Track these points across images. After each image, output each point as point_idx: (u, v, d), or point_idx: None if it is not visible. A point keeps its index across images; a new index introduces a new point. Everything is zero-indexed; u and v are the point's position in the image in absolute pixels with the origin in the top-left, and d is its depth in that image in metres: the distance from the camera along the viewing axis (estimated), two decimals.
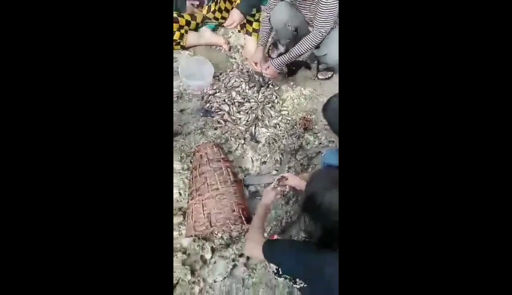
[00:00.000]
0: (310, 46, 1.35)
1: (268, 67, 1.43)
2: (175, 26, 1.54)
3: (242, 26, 1.60)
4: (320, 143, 1.48)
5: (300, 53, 1.39)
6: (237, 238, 1.21)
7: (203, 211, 1.13)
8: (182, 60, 1.54)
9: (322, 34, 1.31)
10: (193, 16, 1.56)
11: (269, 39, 1.52)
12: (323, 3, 1.21)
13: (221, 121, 1.47)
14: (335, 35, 1.34)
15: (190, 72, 1.47)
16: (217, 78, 1.56)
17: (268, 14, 1.40)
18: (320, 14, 1.26)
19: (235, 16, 1.40)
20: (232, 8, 1.51)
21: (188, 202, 1.21)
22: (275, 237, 1.01)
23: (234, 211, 1.13)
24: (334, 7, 1.22)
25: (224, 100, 1.50)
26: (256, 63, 1.50)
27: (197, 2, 1.56)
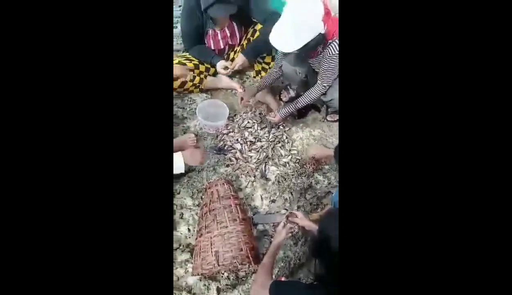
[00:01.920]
0: (315, 97, 1.47)
1: (275, 116, 1.57)
2: (196, 71, 1.70)
3: (258, 72, 1.74)
4: (330, 183, 1.49)
5: (305, 104, 1.51)
6: (243, 279, 1.18)
7: (211, 249, 1.14)
8: (200, 102, 1.66)
9: (325, 87, 1.43)
10: (212, 64, 1.72)
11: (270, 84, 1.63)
12: (326, 60, 1.33)
13: (233, 159, 1.53)
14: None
15: (207, 113, 1.58)
16: (231, 119, 1.66)
17: (275, 69, 1.54)
18: (323, 70, 1.38)
19: (239, 59, 1.56)
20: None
21: (196, 239, 1.22)
22: (283, 278, 0.99)
23: (241, 250, 1.13)
24: (335, 64, 1.34)
25: (237, 140, 1.58)
26: (242, 99, 1.62)
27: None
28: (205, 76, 1.73)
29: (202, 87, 1.73)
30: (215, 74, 1.77)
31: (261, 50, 1.66)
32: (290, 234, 1.17)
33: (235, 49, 1.67)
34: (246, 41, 1.68)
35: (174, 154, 1.31)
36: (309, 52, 1.33)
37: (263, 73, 1.76)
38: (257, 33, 1.64)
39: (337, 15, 1.31)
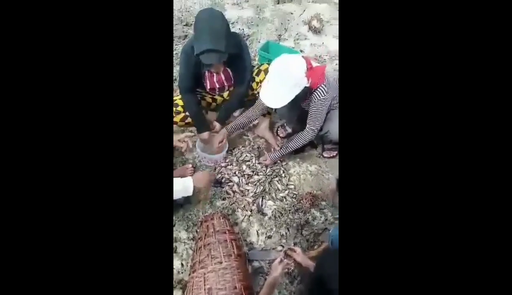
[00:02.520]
0: (304, 141, 1.53)
1: (266, 159, 1.63)
2: (204, 103, 1.78)
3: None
4: (326, 219, 1.49)
5: (295, 148, 1.57)
6: None
7: (204, 285, 1.09)
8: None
9: (314, 131, 1.49)
10: (213, 99, 1.81)
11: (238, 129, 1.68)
12: (314, 104, 1.42)
13: (230, 192, 1.53)
14: (334, 115, 1.52)
15: (206, 146, 1.62)
16: (230, 152, 1.70)
17: (256, 113, 1.61)
18: (311, 114, 1.45)
19: (220, 136, 1.62)
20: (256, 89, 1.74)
21: (189, 274, 1.18)
22: None
23: (235, 288, 1.09)
24: (324, 107, 1.42)
25: (235, 173, 1.59)
26: (218, 143, 1.61)
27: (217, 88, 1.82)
28: (206, 111, 1.81)
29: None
30: (216, 109, 1.85)
31: (231, 111, 1.77)
32: (286, 270, 1.14)
33: (227, 91, 1.77)
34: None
35: (184, 178, 1.30)
36: (299, 101, 1.41)
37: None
38: (227, 94, 1.75)
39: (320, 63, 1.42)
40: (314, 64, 1.38)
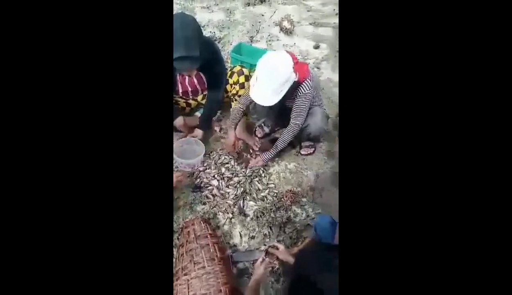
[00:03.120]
0: (291, 137, 1.57)
1: (258, 161, 1.65)
2: (178, 108, 1.75)
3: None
4: (308, 215, 1.51)
5: (284, 145, 1.60)
6: None
7: (189, 292, 1.07)
8: (175, 141, 1.68)
9: (299, 125, 1.53)
10: (187, 103, 1.78)
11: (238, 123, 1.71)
12: (299, 99, 1.45)
13: (210, 196, 1.52)
14: (316, 110, 1.58)
15: (182, 151, 1.59)
16: (207, 156, 1.68)
17: (241, 107, 1.62)
18: (296, 108, 1.49)
19: (199, 135, 1.67)
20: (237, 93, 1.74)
21: (173, 283, 1.15)
22: None
23: (220, 291, 1.07)
24: (308, 101, 1.46)
25: (214, 176, 1.58)
26: (233, 145, 1.68)
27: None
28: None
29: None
30: (190, 113, 1.83)
31: (212, 115, 1.81)
32: (270, 268, 1.15)
33: (201, 94, 1.76)
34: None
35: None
36: (284, 97, 1.44)
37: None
38: (201, 97, 1.76)
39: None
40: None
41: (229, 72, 1.73)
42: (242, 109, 1.61)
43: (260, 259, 1.15)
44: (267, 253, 1.18)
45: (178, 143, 1.62)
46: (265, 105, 1.38)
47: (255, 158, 1.69)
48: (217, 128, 1.87)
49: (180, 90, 1.67)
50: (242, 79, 1.69)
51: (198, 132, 1.68)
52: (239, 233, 1.42)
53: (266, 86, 1.32)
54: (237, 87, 1.71)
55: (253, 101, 1.44)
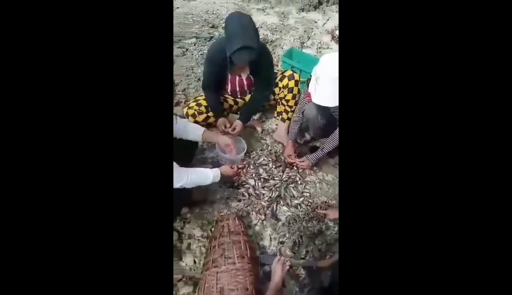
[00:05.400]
0: (336, 143, 1.53)
1: (303, 161, 1.64)
2: (226, 105, 1.81)
3: (279, 113, 1.83)
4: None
5: (331, 149, 1.57)
6: None
7: (217, 284, 1.11)
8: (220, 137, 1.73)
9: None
10: (235, 101, 1.83)
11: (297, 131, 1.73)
12: None
13: (246, 194, 1.55)
14: None
15: (225, 147, 1.64)
16: (247, 155, 1.71)
17: (298, 115, 1.64)
18: None
19: (238, 127, 1.68)
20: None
21: (202, 272, 1.20)
22: None
23: (247, 290, 1.09)
24: None
25: (252, 175, 1.61)
26: (290, 156, 1.70)
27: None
28: (228, 113, 1.84)
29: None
30: (237, 112, 1.87)
31: (254, 113, 1.84)
32: (287, 268, 1.14)
33: (249, 95, 1.79)
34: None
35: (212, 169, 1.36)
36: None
37: (284, 115, 1.83)
38: (249, 97, 1.78)
39: None
40: None
41: (280, 76, 1.75)
42: (300, 119, 1.64)
43: (276, 259, 1.14)
44: (280, 252, 1.17)
45: (222, 139, 1.67)
46: (327, 105, 1.36)
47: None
48: (259, 129, 1.89)
49: (229, 89, 1.72)
50: (292, 83, 1.70)
51: (237, 122, 1.69)
52: (269, 235, 1.43)
53: (328, 87, 1.31)
54: (285, 91, 1.72)
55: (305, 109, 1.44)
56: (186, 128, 1.41)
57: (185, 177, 1.22)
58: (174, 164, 1.17)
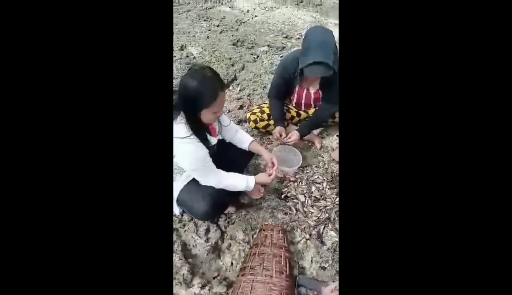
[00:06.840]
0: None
1: (292, 135, 1.63)
2: (288, 115, 1.81)
3: None
4: None
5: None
6: None
7: (251, 293, 1.09)
8: (276, 147, 1.73)
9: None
10: (298, 113, 1.81)
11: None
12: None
13: (293, 209, 1.50)
14: None
15: (280, 157, 1.63)
16: (301, 169, 1.67)
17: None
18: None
19: (295, 136, 1.64)
20: None
21: (238, 276, 1.19)
22: None
23: None
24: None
25: (303, 191, 1.56)
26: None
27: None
28: (287, 124, 1.83)
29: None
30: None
31: (315, 128, 1.81)
32: None
33: (313, 108, 1.74)
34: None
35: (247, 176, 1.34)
36: None
37: None
38: (312, 111, 1.75)
39: None
40: None
41: None
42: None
43: (332, 286, 1.07)
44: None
45: (278, 148, 1.67)
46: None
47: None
48: (318, 145, 1.83)
49: (295, 100, 1.71)
50: None
51: (294, 133, 1.66)
52: (311, 257, 1.35)
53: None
54: None
55: None
56: (236, 134, 1.42)
57: (217, 179, 1.22)
58: (210, 165, 1.19)
